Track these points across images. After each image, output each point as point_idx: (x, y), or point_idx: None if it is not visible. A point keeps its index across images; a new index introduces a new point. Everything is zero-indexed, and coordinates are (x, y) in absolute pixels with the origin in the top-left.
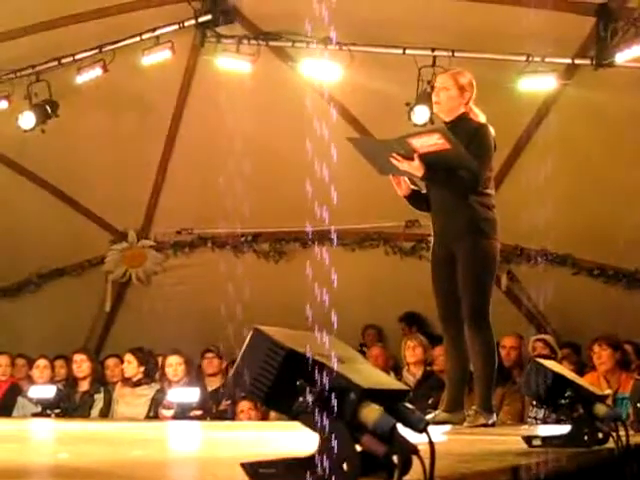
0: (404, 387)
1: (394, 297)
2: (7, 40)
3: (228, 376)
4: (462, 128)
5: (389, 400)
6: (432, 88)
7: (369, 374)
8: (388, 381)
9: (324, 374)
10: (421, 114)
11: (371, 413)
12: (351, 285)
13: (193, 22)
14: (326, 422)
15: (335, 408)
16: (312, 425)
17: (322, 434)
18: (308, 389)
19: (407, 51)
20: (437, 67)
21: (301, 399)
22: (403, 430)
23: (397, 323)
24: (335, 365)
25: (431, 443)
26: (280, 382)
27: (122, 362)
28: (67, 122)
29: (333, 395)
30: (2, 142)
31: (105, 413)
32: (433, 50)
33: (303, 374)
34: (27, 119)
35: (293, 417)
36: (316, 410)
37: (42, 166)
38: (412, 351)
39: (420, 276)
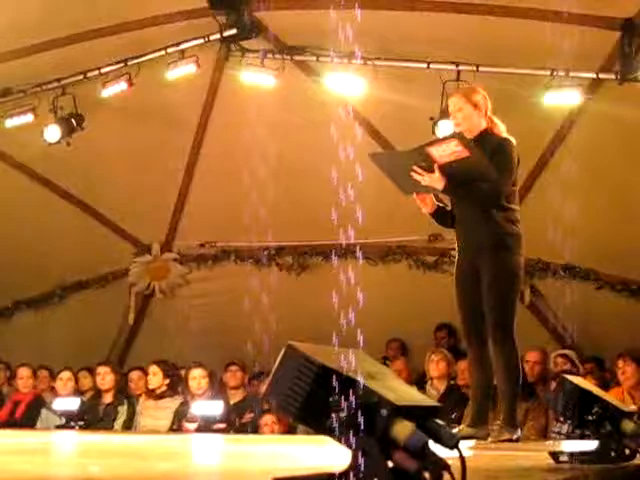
0: (435, 403)
1: (417, 311)
2: (33, 54)
3: (251, 389)
4: (485, 142)
5: (421, 416)
6: (450, 111)
7: (400, 390)
8: (419, 397)
9: (356, 390)
10: (445, 128)
11: (403, 429)
12: (374, 299)
13: (218, 36)
14: (358, 438)
15: (367, 424)
16: (344, 441)
17: (354, 450)
18: (340, 405)
19: (431, 66)
20: (461, 81)
21: (333, 415)
22: (434, 446)
23: (420, 337)
24: (367, 382)
25: (462, 459)
26: (312, 398)
27: (146, 374)
28: (92, 135)
29: (365, 411)
30: (28, 155)
31: (128, 425)
32: (457, 65)
33: (335, 390)
34: (52, 132)
35: (324, 433)
36: (348, 426)
37: (67, 179)
38: (436, 365)
39: (443, 290)
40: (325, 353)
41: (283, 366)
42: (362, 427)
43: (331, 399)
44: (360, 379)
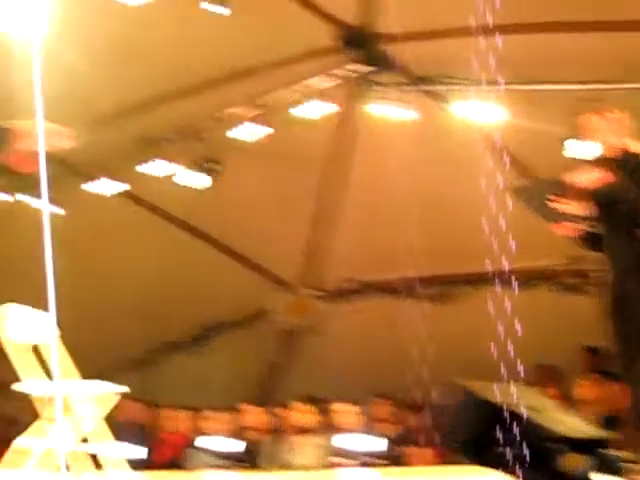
0: (602, 434)
1: (562, 335)
2: (168, 102)
3: (402, 422)
4: (625, 162)
5: (588, 447)
6: (585, 132)
7: (566, 422)
8: (584, 428)
9: (522, 424)
10: (581, 150)
11: (572, 461)
12: (519, 325)
13: (350, 72)
14: (526, 471)
15: (534, 457)
16: (512, 474)
17: None
18: (506, 439)
19: (564, 86)
20: (596, 101)
21: (499, 449)
22: (601, 475)
23: (566, 361)
24: (532, 415)
25: None
26: (477, 432)
27: (293, 411)
28: (229, 178)
29: (532, 445)
30: (167, 201)
31: (279, 463)
32: (591, 84)
33: (500, 424)
34: (190, 178)
35: (489, 466)
36: (516, 460)
37: (208, 222)
38: (586, 390)
39: (587, 313)
40: (486, 388)
41: (446, 401)
42: (530, 460)
43: (497, 433)
44: (525, 413)
